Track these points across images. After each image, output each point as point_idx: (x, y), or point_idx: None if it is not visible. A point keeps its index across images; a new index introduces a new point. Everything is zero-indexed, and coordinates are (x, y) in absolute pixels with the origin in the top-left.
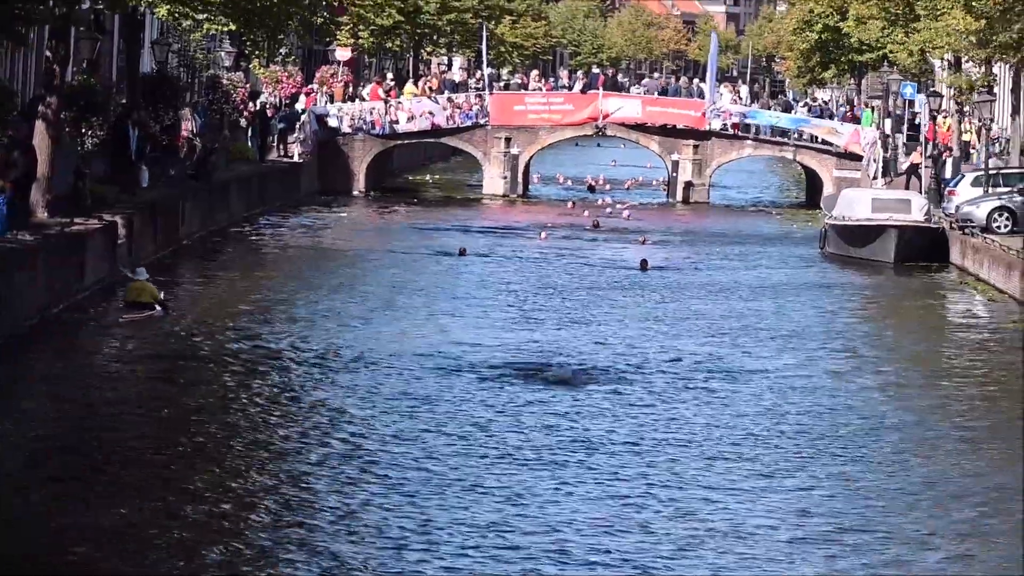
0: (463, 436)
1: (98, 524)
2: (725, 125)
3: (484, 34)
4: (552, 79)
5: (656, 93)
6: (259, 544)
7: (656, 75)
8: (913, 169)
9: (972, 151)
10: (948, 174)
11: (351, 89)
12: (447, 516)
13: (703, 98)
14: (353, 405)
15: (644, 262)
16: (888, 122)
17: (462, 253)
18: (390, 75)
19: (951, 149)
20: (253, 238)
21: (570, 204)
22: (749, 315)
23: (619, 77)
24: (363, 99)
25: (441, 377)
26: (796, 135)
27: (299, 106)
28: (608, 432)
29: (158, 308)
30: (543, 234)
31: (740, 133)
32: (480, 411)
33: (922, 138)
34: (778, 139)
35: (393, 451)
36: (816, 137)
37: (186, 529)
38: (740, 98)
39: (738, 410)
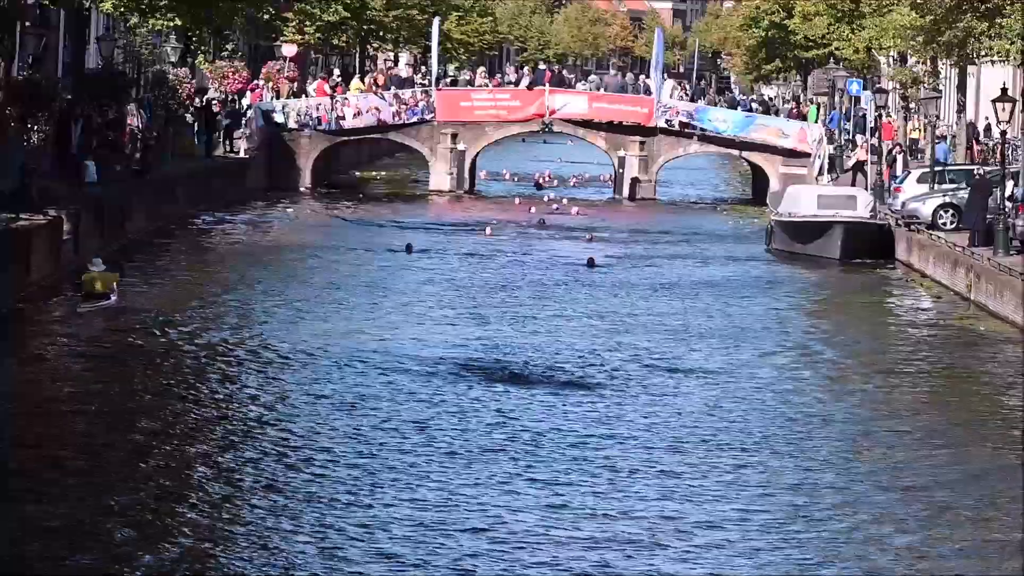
0: (403, 432)
1: (40, 522)
2: (671, 122)
3: (436, 30)
4: (499, 75)
5: (615, 90)
6: (200, 541)
7: (614, 72)
8: (859, 166)
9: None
10: (899, 171)
11: (295, 85)
12: (384, 513)
13: (649, 94)
14: (293, 401)
15: (591, 260)
16: (834, 117)
17: (409, 250)
18: (336, 71)
19: (901, 146)
20: (199, 234)
21: (517, 201)
22: (694, 312)
23: (565, 73)
24: (308, 95)
25: (382, 374)
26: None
27: (245, 102)
28: (549, 429)
29: (112, 298)
30: (488, 230)
31: (687, 130)
32: (421, 408)
33: (867, 135)
34: (725, 136)
35: (333, 447)
36: None
37: (127, 526)
38: (686, 94)
39: (681, 407)
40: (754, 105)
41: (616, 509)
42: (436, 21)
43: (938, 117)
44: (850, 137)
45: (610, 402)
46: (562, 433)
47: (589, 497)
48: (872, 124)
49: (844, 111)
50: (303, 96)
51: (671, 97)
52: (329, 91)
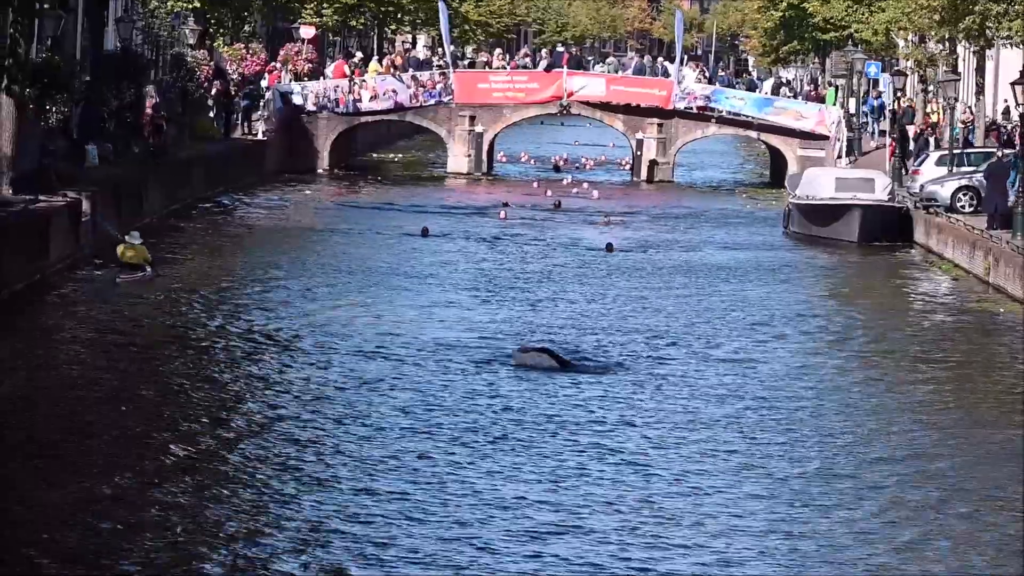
0: (418, 416)
1: (49, 501)
2: (690, 107)
3: (443, 11)
4: (515, 58)
5: (635, 73)
6: (210, 525)
7: (631, 55)
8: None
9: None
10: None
11: (313, 67)
12: (399, 497)
13: (667, 77)
14: (309, 384)
15: (610, 244)
16: (852, 101)
17: (425, 233)
18: (359, 53)
19: (933, 130)
20: (216, 216)
21: (535, 184)
22: (713, 296)
23: (584, 55)
24: (326, 77)
25: (387, 358)
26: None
27: (264, 84)
28: (568, 415)
29: (148, 270)
30: (502, 213)
31: (705, 112)
32: (435, 391)
33: (888, 115)
34: (742, 118)
35: (349, 430)
36: None
37: (135, 509)
38: (705, 76)
39: (698, 392)
40: (770, 84)
41: (636, 496)
42: (441, 3)
43: (956, 99)
44: (869, 120)
45: (626, 386)
46: (579, 418)
47: (611, 482)
48: (891, 107)
49: (863, 94)
50: (321, 78)
51: (696, 82)
52: (348, 72)
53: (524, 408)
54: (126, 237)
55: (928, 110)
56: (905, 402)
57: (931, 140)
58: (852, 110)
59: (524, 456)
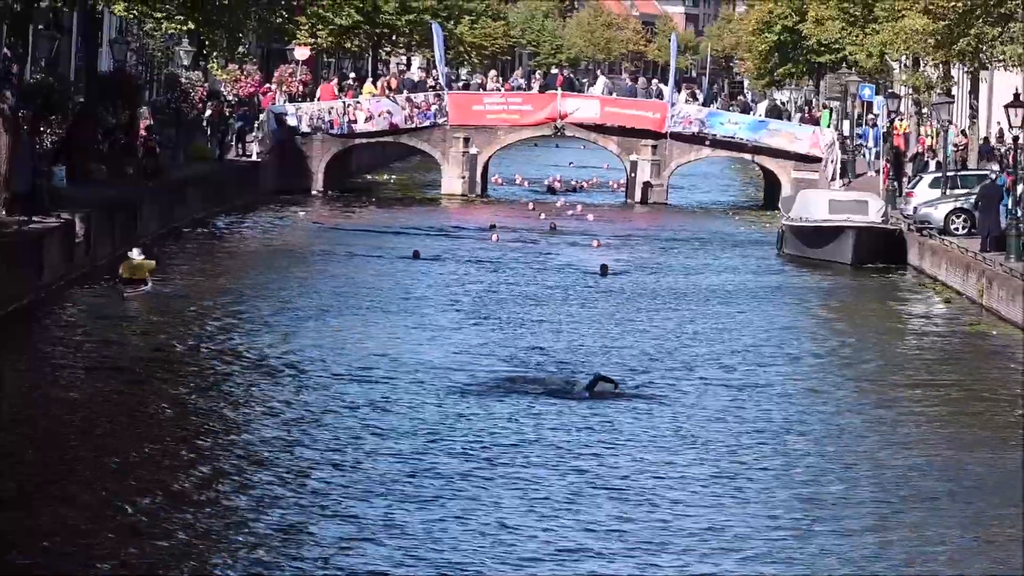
0: (408, 441)
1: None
2: (685, 131)
3: (436, 33)
4: (510, 80)
5: (625, 95)
6: (200, 548)
7: (625, 76)
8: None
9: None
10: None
11: (305, 88)
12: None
13: (661, 99)
14: (294, 409)
15: (604, 267)
16: (847, 123)
17: (416, 256)
18: (352, 75)
19: (932, 151)
20: (210, 238)
21: (530, 205)
22: (706, 319)
23: (575, 77)
24: (315, 98)
25: (375, 384)
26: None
27: (258, 105)
28: (550, 439)
29: (149, 284)
30: (494, 236)
31: (699, 134)
32: (419, 415)
33: (880, 138)
34: (736, 140)
35: (332, 456)
36: None
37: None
38: (695, 98)
39: (696, 415)
40: (764, 106)
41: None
42: (435, 25)
43: (950, 122)
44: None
45: (623, 412)
46: (563, 442)
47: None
48: (884, 129)
49: (856, 117)
50: (310, 99)
51: (685, 103)
52: (337, 94)
53: (517, 432)
54: (129, 254)
55: (923, 133)
56: (899, 423)
57: (931, 162)
58: (846, 132)
59: (518, 481)
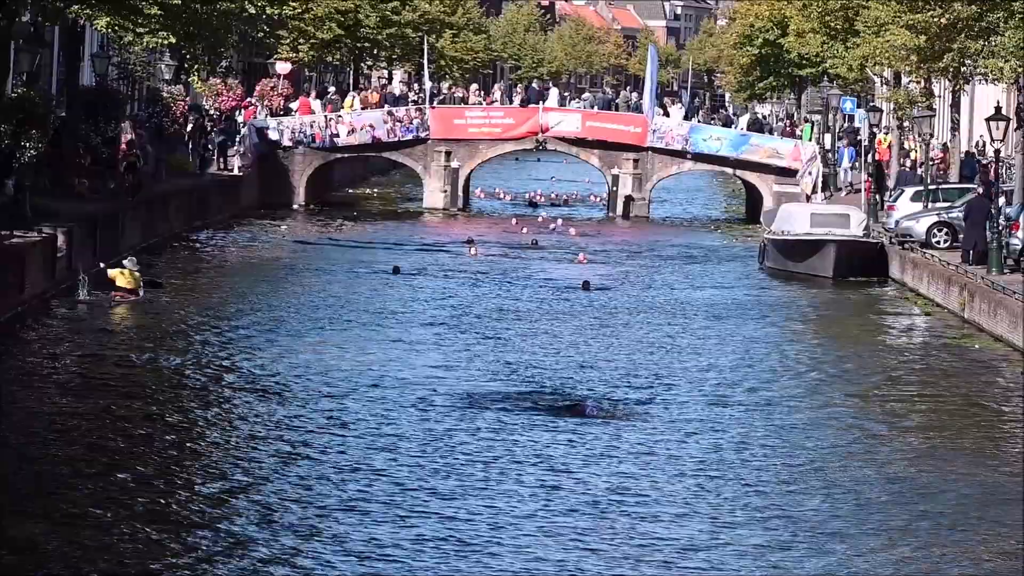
0: (384, 456)
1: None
2: (668, 146)
3: (427, 48)
4: (489, 94)
5: (602, 106)
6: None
7: (607, 91)
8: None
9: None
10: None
11: (286, 102)
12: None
13: (640, 111)
14: (271, 424)
15: (586, 283)
16: (828, 137)
17: (396, 271)
18: (332, 88)
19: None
20: (191, 252)
21: (513, 220)
22: (689, 335)
23: (544, 90)
24: (291, 112)
25: (353, 399)
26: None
27: (239, 119)
28: (528, 454)
29: (141, 293)
30: (472, 250)
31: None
32: (404, 431)
33: (861, 151)
34: (718, 154)
35: (313, 470)
36: None
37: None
38: (667, 113)
39: (676, 431)
40: (745, 119)
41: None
42: (426, 40)
43: (931, 135)
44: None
45: (601, 427)
46: (556, 456)
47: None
48: (866, 143)
49: (838, 130)
50: (289, 113)
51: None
52: (316, 108)
53: (495, 447)
54: (124, 262)
55: (907, 147)
56: (880, 437)
57: (919, 170)
58: (828, 145)
59: (496, 497)
